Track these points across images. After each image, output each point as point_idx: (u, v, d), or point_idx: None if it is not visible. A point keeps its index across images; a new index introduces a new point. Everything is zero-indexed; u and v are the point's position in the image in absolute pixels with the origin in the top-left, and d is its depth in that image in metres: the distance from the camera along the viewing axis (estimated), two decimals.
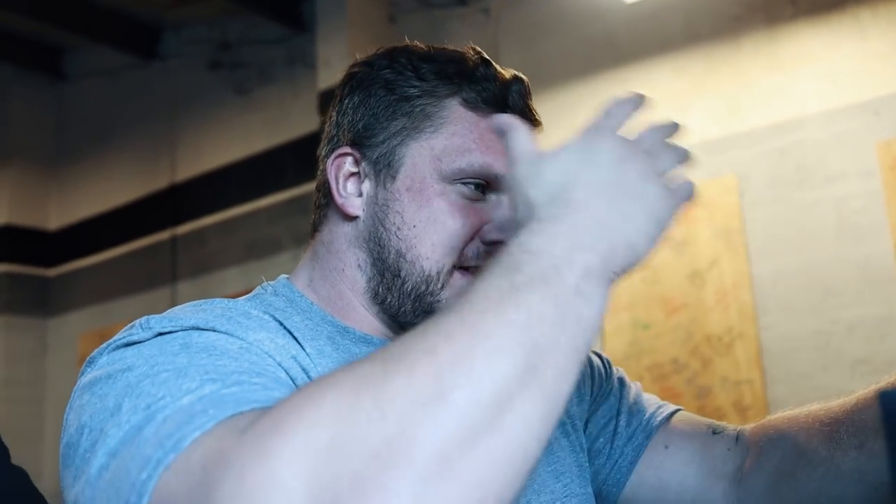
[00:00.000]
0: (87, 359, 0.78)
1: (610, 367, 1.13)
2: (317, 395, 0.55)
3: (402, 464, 0.51)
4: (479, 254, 0.91)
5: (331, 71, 4.10)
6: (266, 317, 0.84)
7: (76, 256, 5.65)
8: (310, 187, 4.59)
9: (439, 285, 0.90)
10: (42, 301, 5.65)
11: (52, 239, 5.75)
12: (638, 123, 0.76)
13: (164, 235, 5.22)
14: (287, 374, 0.76)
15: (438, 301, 0.90)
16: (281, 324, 0.84)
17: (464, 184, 0.91)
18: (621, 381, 1.12)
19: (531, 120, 0.96)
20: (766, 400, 3.18)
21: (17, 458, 1.12)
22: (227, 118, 5.01)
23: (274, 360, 0.76)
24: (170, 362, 0.69)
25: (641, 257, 0.67)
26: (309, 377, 0.80)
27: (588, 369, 1.10)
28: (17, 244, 5.57)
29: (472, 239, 0.91)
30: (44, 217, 5.75)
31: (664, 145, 0.75)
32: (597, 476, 1.05)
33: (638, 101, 0.77)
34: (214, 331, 0.76)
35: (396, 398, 0.53)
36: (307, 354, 0.82)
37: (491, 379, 0.55)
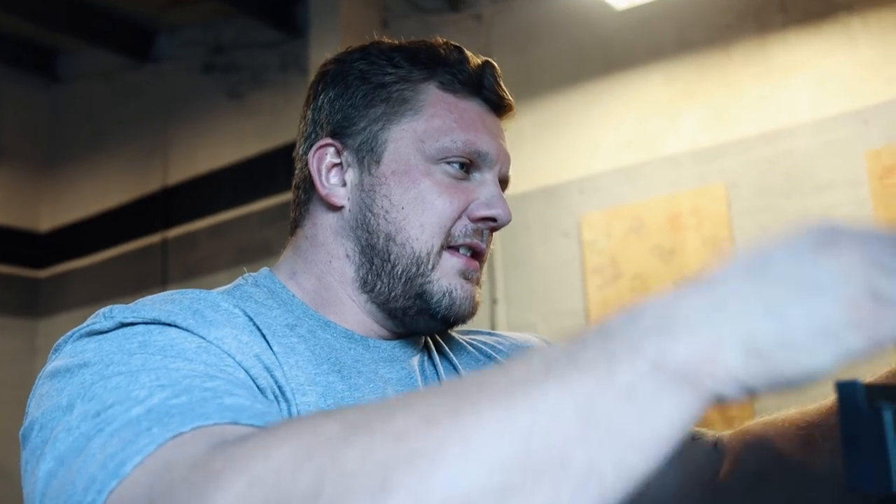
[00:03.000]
0: (54, 345, 0.79)
1: None
2: (271, 445, 0.50)
3: None
4: (468, 232, 0.92)
5: None
6: (236, 310, 0.83)
7: (67, 258, 5.63)
8: None
9: (430, 266, 0.91)
10: (32, 303, 5.63)
11: (43, 240, 5.74)
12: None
13: (155, 238, 5.20)
14: (247, 373, 0.75)
15: (429, 282, 0.91)
16: (250, 319, 0.83)
17: (448, 163, 0.91)
18: None
19: (504, 101, 0.97)
20: (753, 409, 3.16)
21: (3, 460, 1.11)
22: (219, 122, 5.00)
23: (234, 359, 0.75)
24: (124, 363, 0.70)
25: (777, 375, 0.45)
26: (273, 376, 0.79)
27: None
28: (7, 245, 5.56)
29: (459, 217, 0.92)
30: (35, 218, 5.74)
31: None
32: None
33: None
34: (175, 326, 0.76)
35: (339, 478, 0.46)
36: (273, 353, 0.81)
37: (447, 489, 0.43)
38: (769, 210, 3.27)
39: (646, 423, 0.44)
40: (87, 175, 5.65)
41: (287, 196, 5.10)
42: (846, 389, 0.45)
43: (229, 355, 0.75)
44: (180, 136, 5.17)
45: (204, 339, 0.75)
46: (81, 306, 5.44)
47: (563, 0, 3.74)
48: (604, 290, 3.57)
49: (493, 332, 1.12)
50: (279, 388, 0.79)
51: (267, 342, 0.82)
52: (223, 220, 4.89)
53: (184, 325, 0.76)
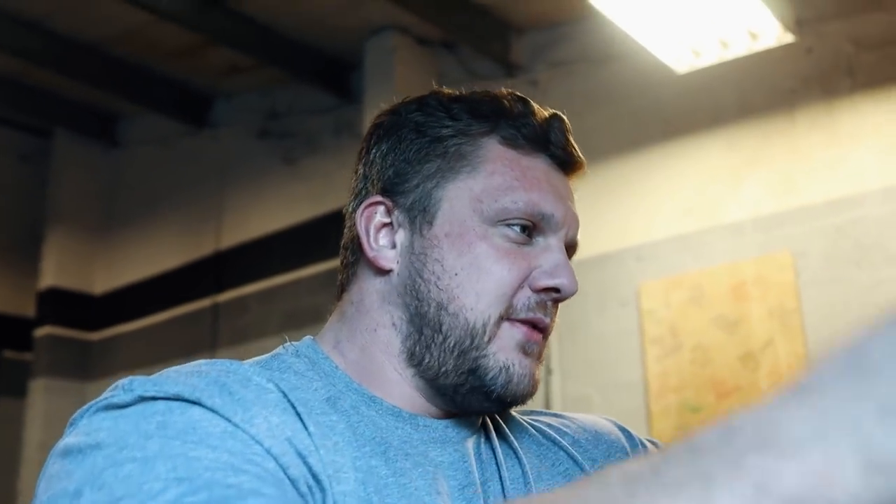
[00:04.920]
0: (71, 418, 0.72)
1: (639, 442, 1.01)
2: None
3: None
4: (531, 305, 0.82)
5: None
6: (269, 385, 0.74)
7: (119, 321, 5.65)
8: None
9: (486, 338, 0.81)
10: (83, 365, 5.63)
11: (97, 303, 5.77)
12: None
13: (206, 302, 5.19)
14: (277, 461, 0.66)
15: (485, 356, 0.81)
16: (284, 395, 0.74)
17: (508, 225, 0.82)
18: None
19: (573, 158, 0.88)
20: None
21: None
22: (273, 186, 5.02)
23: (262, 446, 0.67)
24: (140, 447, 0.64)
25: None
26: (307, 464, 0.69)
27: (625, 443, 0.98)
28: (61, 307, 5.59)
29: (520, 287, 0.82)
30: (89, 281, 5.78)
31: None
32: None
33: None
34: (199, 404, 0.68)
35: None
36: (309, 434, 0.72)
37: None
38: (839, 280, 3.13)
39: None
40: (141, 239, 5.69)
41: (337, 262, 5.13)
42: None
43: (258, 442, 0.67)
44: (234, 201, 5.19)
45: (230, 421, 0.68)
46: (130, 370, 5.42)
47: (621, 64, 3.69)
48: (663, 361, 3.43)
49: (558, 413, 1.01)
50: (314, 475, 0.70)
51: (302, 422, 0.73)
52: (273, 284, 4.87)
53: (209, 404, 0.68)
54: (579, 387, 3.66)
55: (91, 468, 0.63)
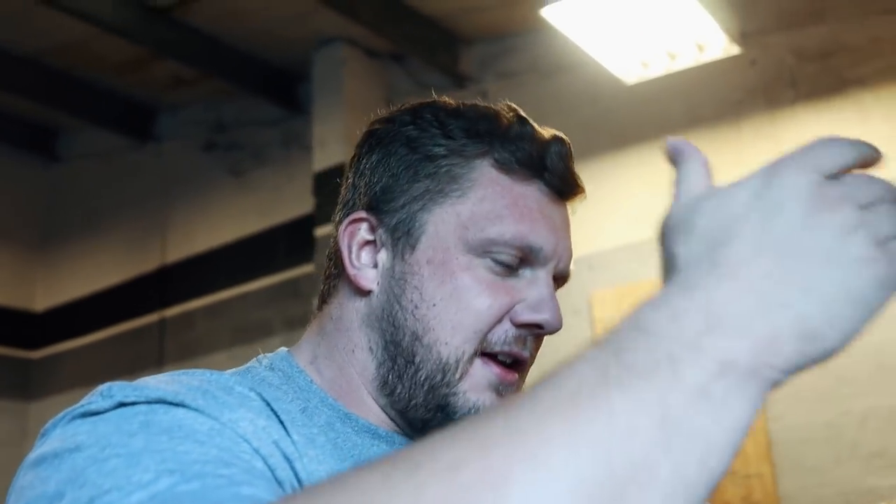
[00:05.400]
0: (42, 429, 0.67)
1: None
2: None
3: None
4: (508, 339, 0.79)
5: (326, 152, 4.06)
6: (251, 394, 0.72)
7: (62, 338, 5.53)
8: (302, 270, 4.55)
9: (457, 375, 0.78)
10: (24, 384, 5.49)
11: (38, 320, 5.64)
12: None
13: (152, 318, 5.11)
14: (265, 462, 0.64)
15: (454, 394, 0.78)
16: (267, 404, 0.72)
17: (493, 258, 0.79)
18: None
19: (574, 185, 0.84)
20: (777, 495, 3.04)
21: None
22: (220, 200, 4.96)
23: (250, 445, 0.64)
24: (123, 444, 0.59)
25: (827, 350, 0.45)
26: (293, 468, 0.67)
27: None
28: (2, 325, 5.45)
29: (500, 321, 0.79)
30: (30, 298, 5.65)
31: (888, 202, 0.49)
32: None
33: (865, 153, 0.51)
34: (184, 406, 0.64)
35: None
36: (292, 441, 0.70)
37: None
38: None
39: (722, 423, 0.43)
40: (83, 255, 5.58)
41: (286, 274, 5.05)
42: None
43: (245, 440, 0.64)
44: (179, 215, 5.11)
45: (217, 420, 0.65)
46: (75, 388, 5.30)
47: (571, 75, 3.73)
48: None
49: None
50: (299, 481, 0.67)
51: (286, 430, 0.71)
52: (221, 299, 4.80)
53: (193, 405, 0.65)
54: None
55: (71, 469, 0.59)
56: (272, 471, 0.64)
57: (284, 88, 4.61)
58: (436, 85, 4.19)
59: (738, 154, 3.41)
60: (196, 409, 0.65)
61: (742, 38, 3.33)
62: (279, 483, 0.64)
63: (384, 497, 0.41)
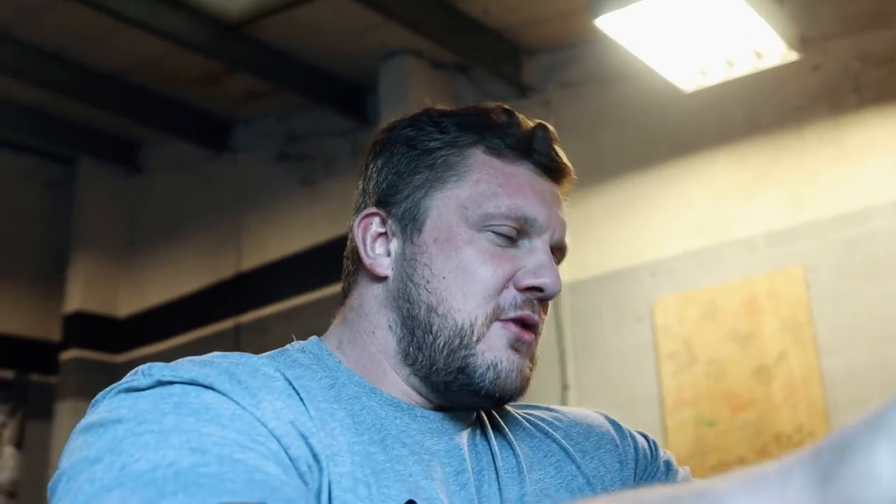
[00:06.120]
0: (92, 401, 0.77)
1: (656, 450, 1.06)
2: None
3: None
4: (517, 303, 0.87)
5: None
6: (276, 374, 0.80)
7: (143, 343, 5.73)
8: None
9: (474, 338, 0.86)
10: (109, 386, 5.71)
11: (122, 326, 5.86)
12: None
13: (228, 324, 5.26)
14: (279, 442, 0.72)
15: (473, 354, 0.86)
16: (290, 383, 0.80)
17: (493, 230, 0.88)
18: (668, 463, 1.04)
19: (557, 164, 0.93)
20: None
21: None
22: (291, 209, 5.09)
23: (267, 427, 0.72)
24: (157, 421, 0.68)
25: None
26: (308, 444, 0.75)
27: (632, 447, 1.03)
28: (87, 330, 5.68)
29: (505, 287, 0.87)
30: (114, 304, 5.87)
31: None
32: None
33: None
34: (212, 389, 0.73)
35: None
36: (311, 417, 0.78)
37: None
38: (850, 293, 3.17)
39: None
40: (164, 262, 5.78)
41: None
42: None
43: (262, 424, 0.72)
44: (253, 223, 5.27)
45: (238, 404, 0.73)
46: None
47: (630, 84, 3.75)
48: (678, 376, 3.47)
49: (551, 407, 1.06)
50: (314, 455, 0.75)
51: (305, 406, 0.79)
52: (293, 305, 4.93)
53: (220, 388, 0.74)
54: (596, 401, 3.70)
55: (111, 439, 0.67)
56: (286, 449, 0.72)
57: (353, 100, 4.72)
58: (499, 95, 4.25)
59: (801, 160, 3.39)
60: (222, 393, 0.73)
61: (803, 43, 3.32)
62: (293, 460, 0.72)
63: None
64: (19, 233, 5.85)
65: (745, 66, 3.14)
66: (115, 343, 5.80)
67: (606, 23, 2.89)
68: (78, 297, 5.67)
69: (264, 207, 5.24)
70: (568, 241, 0.94)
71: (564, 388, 3.76)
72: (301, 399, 0.79)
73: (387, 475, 0.80)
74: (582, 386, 3.75)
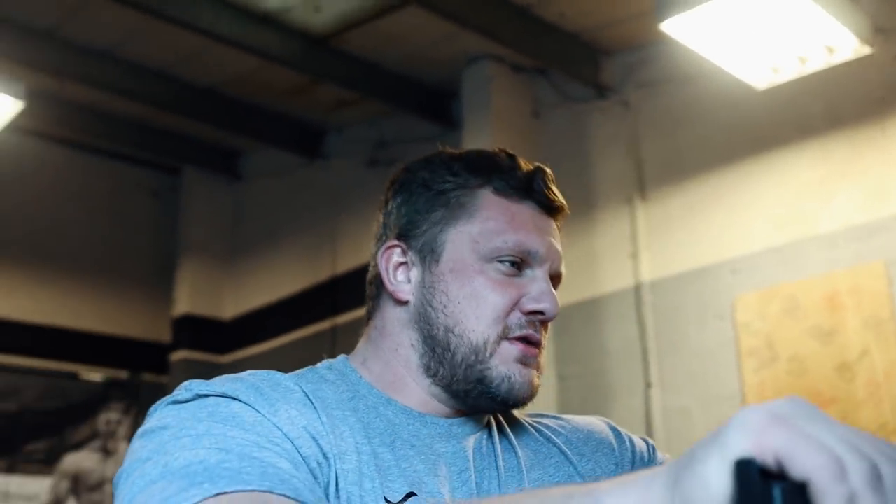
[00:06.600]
0: (149, 410, 0.93)
1: (654, 453, 1.15)
2: None
3: None
4: (522, 323, 1.00)
5: None
6: (295, 388, 0.94)
7: (247, 344, 5.98)
8: None
9: (488, 353, 0.99)
10: None
11: (227, 328, 6.12)
12: None
13: (325, 325, 5.45)
14: (293, 443, 0.86)
15: (489, 368, 0.99)
16: (306, 395, 0.94)
17: (500, 261, 1.00)
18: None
19: (553, 203, 1.05)
20: None
21: None
22: None
23: (281, 431, 0.86)
24: (193, 427, 0.84)
25: None
26: (318, 444, 0.89)
27: (629, 451, 1.12)
28: (194, 332, 5.96)
29: (512, 310, 1.00)
30: (219, 307, 6.14)
31: None
32: None
33: None
34: (238, 400, 0.88)
35: None
36: (322, 423, 0.91)
37: None
38: None
39: None
40: (264, 266, 6.01)
41: None
42: (743, 467, 0.49)
43: (279, 428, 0.87)
44: (347, 228, 5.44)
45: (259, 412, 0.87)
46: None
47: (706, 83, 3.75)
48: (760, 372, 3.47)
49: (558, 416, 1.17)
50: (323, 454, 0.89)
51: (318, 414, 0.92)
52: None
53: (245, 399, 0.89)
54: (678, 399, 3.72)
55: (159, 442, 0.83)
56: (298, 449, 0.86)
57: (438, 106, 4.84)
58: (579, 97, 4.30)
59: (883, 153, 3.34)
60: (247, 404, 0.88)
61: (881, 34, 3.26)
62: (304, 458, 0.86)
63: None
64: (131, 240, 6.19)
65: (818, 61, 3.12)
66: (220, 344, 6.07)
67: (672, 26, 2.92)
68: (186, 300, 5.97)
69: (357, 211, 5.40)
70: (563, 269, 1.06)
71: (647, 385, 3.79)
72: (315, 408, 0.93)
73: (392, 472, 0.93)
74: (665, 383, 3.77)
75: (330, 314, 5.41)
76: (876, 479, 0.49)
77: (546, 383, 3.94)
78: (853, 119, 3.42)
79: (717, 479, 0.50)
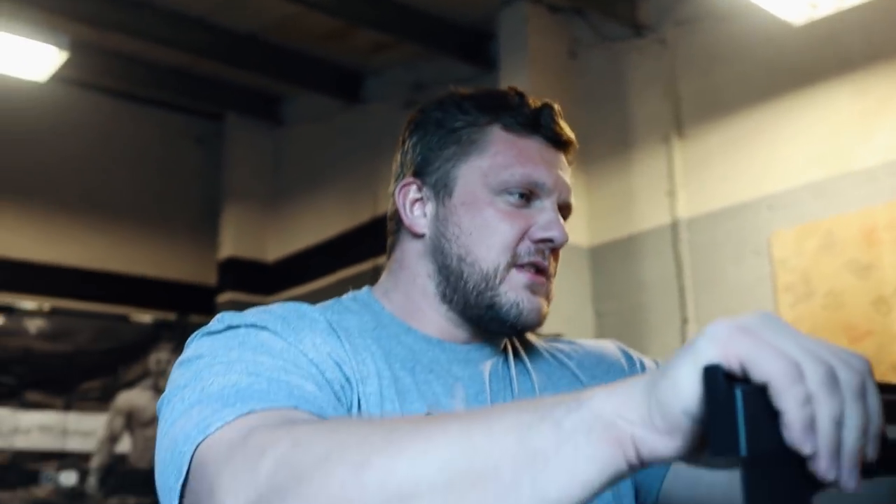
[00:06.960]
0: (187, 341, 1.00)
1: (637, 362, 1.22)
2: (302, 438, 0.70)
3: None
4: (531, 251, 1.06)
5: None
6: (320, 318, 1.01)
7: (290, 285, 6.11)
8: None
9: (497, 281, 1.05)
10: None
11: (270, 270, 6.26)
12: None
13: (366, 265, 5.55)
14: (317, 367, 0.93)
15: (498, 295, 1.05)
16: (330, 325, 1.01)
17: (509, 193, 1.06)
18: None
19: (561, 137, 1.10)
20: None
21: None
22: None
23: (307, 357, 0.94)
24: (225, 355, 0.91)
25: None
26: (341, 369, 0.96)
27: (639, 372, 1.19)
28: (239, 275, 6.11)
29: (521, 239, 1.06)
30: (263, 250, 6.28)
31: (867, 401, 0.56)
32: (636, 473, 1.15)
33: None
34: (266, 329, 0.95)
35: (338, 448, 0.65)
36: (345, 350, 0.99)
37: (406, 473, 0.61)
38: None
39: (560, 453, 0.58)
40: (306, 209, 6.12)
41: None
42: (710, 372, 0.55)
43: (304, 354, 0.93)
44: (386, 170, 5.41)
45: (286, 340, 0.94)
46: None
47: (743, 20, 3.73)
48: (796, 308, 3.51)
49: (572, 340, 1.24)
50: (346, 378, 0.96)
51: (341, 342, 0.99)
52: None
53: (273, 329, 0.95)
54: None
55: (195, 371, 0.90)
56: (322, 373, 0.94)
57: (475, 47, 4.86)
58: (616, 36, 4.30)
59: None
60: (274, 332, 0.96)
61: None
62: (328, 381, 0.94)
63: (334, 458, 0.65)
64: (176, 187, 6.32)
65: None
66: (265, 285, 6.21)
67: None
68: (230, 244, 6.11)
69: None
70: (573, 200, 1.12)
71: (684, 321, 3.85)
72: (338, 336, 1.00)
73: (411, 394, 1.01)
74: (701, 320, 3.83)
75: (371, 255, 5.50)
76: (832, 381, 0.53)
77: (584, 319, 4.04)
78: (893, 53, 3.40)
79: (688, 383, 0.55)
